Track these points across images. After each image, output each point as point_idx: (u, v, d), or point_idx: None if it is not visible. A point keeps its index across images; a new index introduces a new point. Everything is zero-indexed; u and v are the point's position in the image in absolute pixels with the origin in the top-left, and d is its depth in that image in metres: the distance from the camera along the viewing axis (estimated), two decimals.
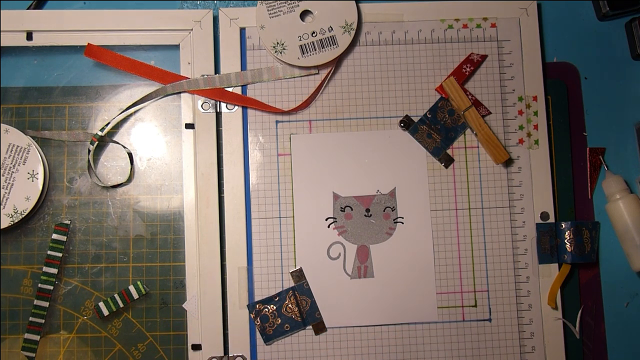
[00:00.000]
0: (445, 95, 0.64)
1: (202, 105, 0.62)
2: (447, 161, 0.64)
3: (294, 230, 0.62)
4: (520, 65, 0.65)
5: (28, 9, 0.64)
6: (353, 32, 0.63)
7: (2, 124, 0.61)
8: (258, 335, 0.61)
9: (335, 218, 0.63)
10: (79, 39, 0.63)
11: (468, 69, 0.64)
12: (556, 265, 0.63)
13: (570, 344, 0.63)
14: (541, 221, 0.63)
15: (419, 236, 0.63)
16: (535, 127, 0.64)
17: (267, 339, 0.61)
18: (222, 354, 0.60)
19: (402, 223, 0.63)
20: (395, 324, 0.62)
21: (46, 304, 0.61)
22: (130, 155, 0.63)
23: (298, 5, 0.63)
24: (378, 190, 0.63)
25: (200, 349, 0.60)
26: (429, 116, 0.64)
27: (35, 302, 0.61)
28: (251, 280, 0.61)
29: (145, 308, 0.62)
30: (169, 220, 0.63)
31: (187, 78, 0.63)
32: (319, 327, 0.61)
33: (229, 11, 0.64)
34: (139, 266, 0.62)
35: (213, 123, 0.62)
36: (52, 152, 0.63)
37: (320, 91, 0.64)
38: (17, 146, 0.61)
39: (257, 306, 0.61)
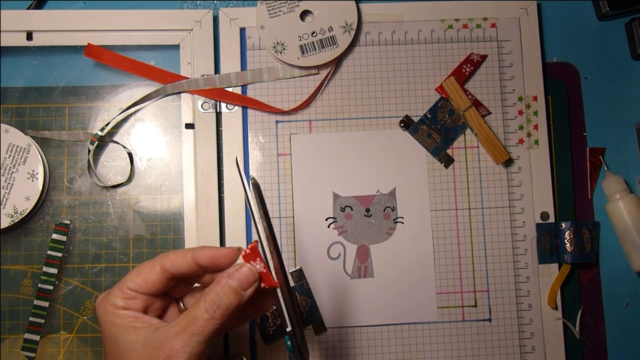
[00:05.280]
0: (445, 95, 0.64)
1: (202, 105, 0.62)
2: (447, 161, 0.64)
3: (294, 230, 0.62)
4: (520, 65, 0.65)
5: (28, 9, 0.64)
6: (353, 32, 0.63)
7: (2, 124, 0.61)
8: (258, 335, 0.61)
9: (335, 218, 0.63)
10: (79, 39, 0.63)
11: (468, 69, 0.64)
12: (556, 265, 0.63)
13: (570, 344, 0.63)
14: (541, 221, 0.63)
15: (419, 236, 0.63)
16: (535, 127, 0.64)
17: (267, 339, 0.61)
18: (222, 354, 0.60)
19: (402, 223, 0.63)
20: (395, 324, 0.62)
21: (46, 304, 0.61)
22: (130, 155, 0.63)
23: (298, 5, 0.63)
24: (378, 190, 0.63)
25: None
26: (429, 116, 0.64)
27: (35, 302, 0.61)
28: None
29: None
30: (169, 220, 0.63)
31: (187, 78, 0.63)
32: (319, 327, 0.61)
33: (229, 11, 0.64)
34: None
35: (213, 123, 0.62)
36: (52, 152, 0.63)
37: (320, 91, 0.64)
38: (17, 146, 0.61)
39: None
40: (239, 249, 0.45)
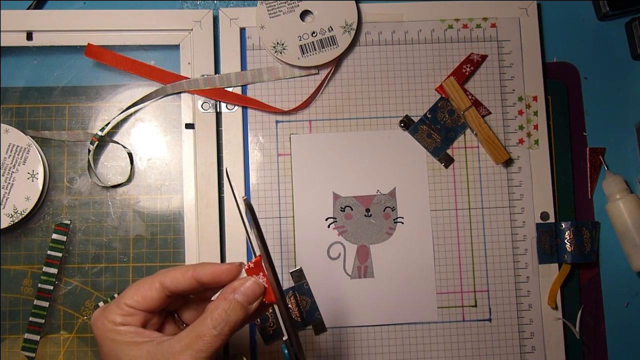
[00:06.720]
0: (445, 95, 0.64)
1: (202, 105, 0.62)
2: (447, 161, 0.64)
3: (294, 230, 0.62)
4: (520, 65, 0.65)
5: (28, 9, 0.64)
6: (353, 32, 0.63)
7: (2, 124, 0.61)
8: (258, 335, 0.61)
9: (335, 218, 0.63)
10: (79, 39, 0.63)
11: (468, 69, 0.64)
12: (556, 265, 0.63)
13: (570, 344, 0.63)
14: (541, 221, 0.63)
15: (419, 236, 0.63)
16: (535, 127, 0.64)
17: (267, 339, 0.61)
18: (222, 354, 0.60)
19: (402, 223, 0.63)
20: (395, 324, 0.62)
21: (46, 304, 0.61)
22: (130, 155, 0.63)
23: (298, 5, 0.63)
24: (378, 190, 0.63)
25: None
26: (429, 116, 0.64)
27: (35, 302, 0.61)
28: None
29: None
30: (169, 220, 0.63)
31: (187, 78, 0.63)
32: (319, 327, 0.61)
33: (229, 11, 0.64)
34: (139, 266, 0.62)
35: (213, 123, 0.62)
36: (52, 152, 0.63)
37: (320, 91, 0.64)
38: (17, 146, 0.61)
39: None
40: (241, 264, 0.45)
